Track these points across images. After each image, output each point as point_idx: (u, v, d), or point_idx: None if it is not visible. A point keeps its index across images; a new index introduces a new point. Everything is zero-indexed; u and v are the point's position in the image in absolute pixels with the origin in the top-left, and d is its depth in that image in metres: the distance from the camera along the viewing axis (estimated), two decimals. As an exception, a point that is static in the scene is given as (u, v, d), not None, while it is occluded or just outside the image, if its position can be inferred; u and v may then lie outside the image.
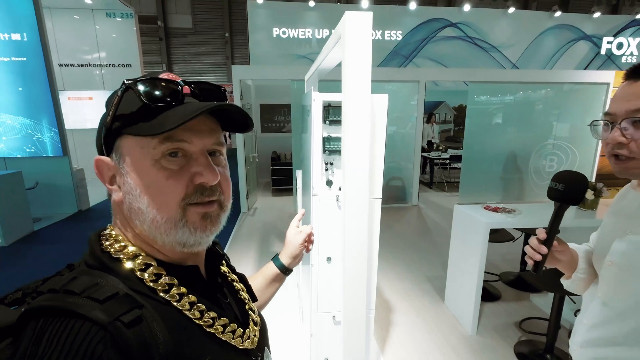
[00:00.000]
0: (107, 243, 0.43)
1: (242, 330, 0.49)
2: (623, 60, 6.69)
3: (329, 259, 1.69)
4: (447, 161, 6.89)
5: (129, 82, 0.41)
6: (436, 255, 3.61)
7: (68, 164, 4.90)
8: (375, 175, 1.60)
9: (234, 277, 0.60)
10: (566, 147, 5.83)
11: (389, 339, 2.25)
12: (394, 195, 5.68)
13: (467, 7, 6.04)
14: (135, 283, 0.41)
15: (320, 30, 6.92)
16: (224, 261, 0.59)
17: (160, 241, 0.43)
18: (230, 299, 0.54)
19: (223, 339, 0.46)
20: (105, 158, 0.44)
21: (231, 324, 0.47)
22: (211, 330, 0.44)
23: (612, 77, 5.52)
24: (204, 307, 0.44)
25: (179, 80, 0.43)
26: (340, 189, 1.66)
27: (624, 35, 6.43)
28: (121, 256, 0.42)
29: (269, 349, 0.58)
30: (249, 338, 0.50)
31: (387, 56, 6.87)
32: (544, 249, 0.76)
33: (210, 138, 0.44)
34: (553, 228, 0.78)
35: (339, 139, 1.58)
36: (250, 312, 0.56)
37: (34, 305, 0.35)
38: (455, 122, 9.07)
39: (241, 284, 0.60)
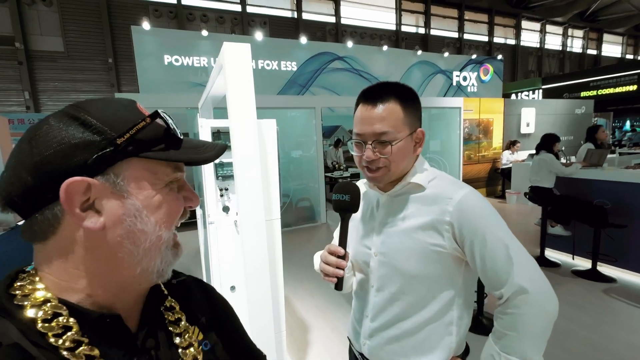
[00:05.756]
0: (19, 284, 0.37)
1: None
2: (469, 89, 8.50)
3: (232, 287, 1.64)
4: (349, 179, 7.48)
5: (161, 111, 0.42)
6: (345, 267, 3.79)
7: None
8: (272, 196, 1.65)
9: (178, 315, 0.50)
10: (439, 159, 7.02)
11: (307, 359, 2.25)
12: (303, 216, 5.83)
13: (350, 44, 6.88)
14: (33, 333, 0.34)
15: (217, 59, 6.81)
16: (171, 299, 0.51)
17: (143, 267, 0.40)
18: (165, 345, 0.46)
19: None
20: (89, 180, 0.36)
21: None
22: None
23: (461, 102, 6.96)
24: None
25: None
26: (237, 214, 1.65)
27: (466, 70, 8.25)
28: (25, 302, 0.35)
29: None
30: None
31: (285, 85, 7.20)
32: (344, 263, 0.75)
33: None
34: (344, 240, 0.77)
35: (231, 164, 1.59)
36: (189, 349, 0.47)
37: None
38: (352, 144, 9.92)
39: (186, 323, 0.50)
